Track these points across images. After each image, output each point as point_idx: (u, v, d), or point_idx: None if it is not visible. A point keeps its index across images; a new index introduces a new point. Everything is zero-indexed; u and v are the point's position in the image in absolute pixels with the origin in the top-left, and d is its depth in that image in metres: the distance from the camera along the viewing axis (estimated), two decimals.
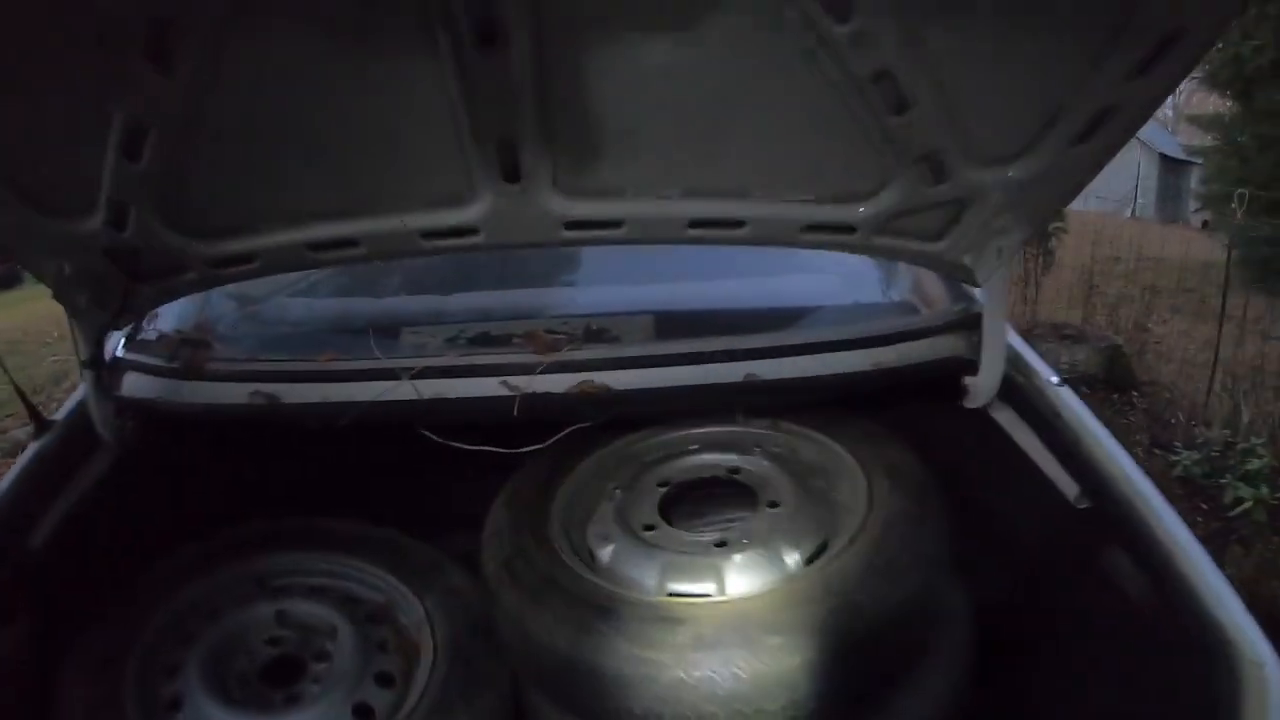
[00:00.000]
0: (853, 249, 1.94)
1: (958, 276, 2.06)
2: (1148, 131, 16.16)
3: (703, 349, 2.05)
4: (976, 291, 2.05)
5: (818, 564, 1.81)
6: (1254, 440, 5.06)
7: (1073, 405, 2.01)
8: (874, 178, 1.74)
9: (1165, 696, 1.63)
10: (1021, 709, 2.02)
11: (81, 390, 2.02)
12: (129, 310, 1.94)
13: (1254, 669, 1.43)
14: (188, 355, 2.11)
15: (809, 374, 2.05)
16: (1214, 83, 10.36)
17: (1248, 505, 4.49)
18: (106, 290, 1.84)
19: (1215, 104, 12.14)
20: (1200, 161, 13.26)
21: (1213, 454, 5.03)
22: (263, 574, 2.14)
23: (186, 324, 2.25)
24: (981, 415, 2.14)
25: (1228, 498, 4.58)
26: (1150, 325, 7.35)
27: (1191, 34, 1.37)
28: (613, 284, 2.51)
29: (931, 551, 1.83)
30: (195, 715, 1.82)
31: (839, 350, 2.09)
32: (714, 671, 1.62)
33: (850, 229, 1.86)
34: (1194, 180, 15.12)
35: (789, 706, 1.65)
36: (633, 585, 1.82)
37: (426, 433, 2.08)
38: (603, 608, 1.74)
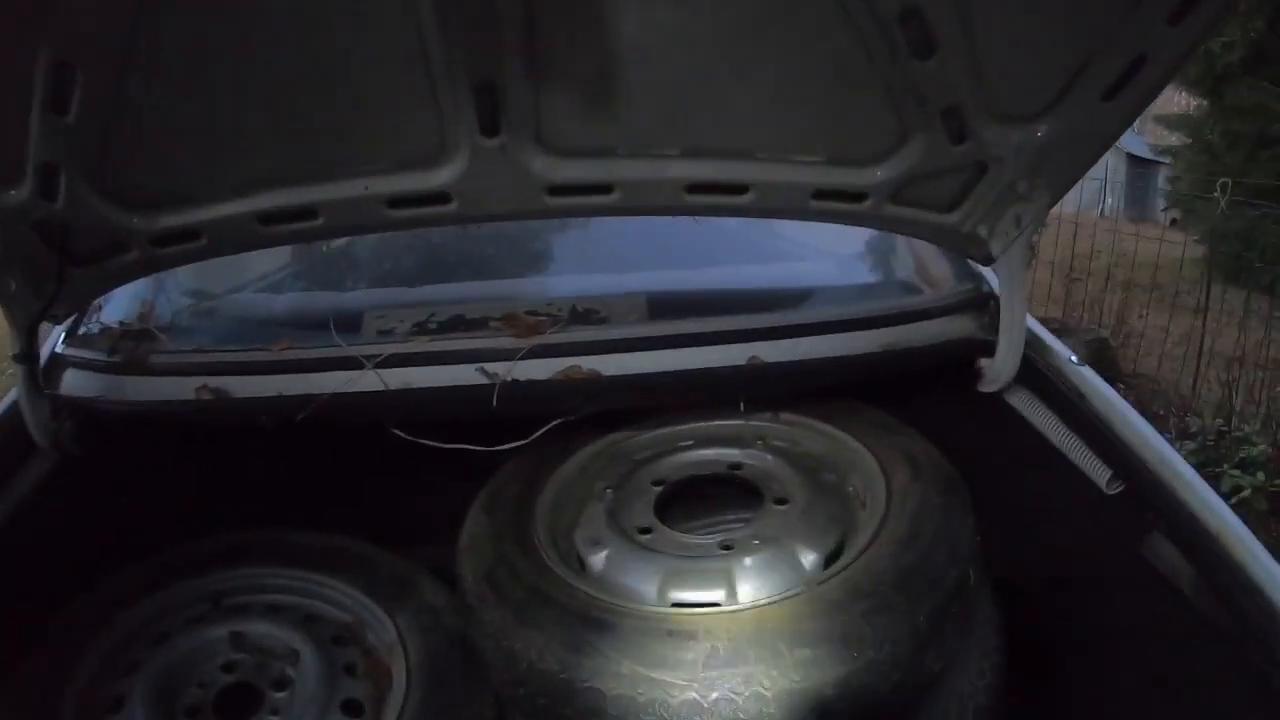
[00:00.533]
0: (862, 220, 1.81)
1: (970, 252, 1.94)
2: None
3: (702, 330, 1.90)
4: (994, 266, 1.92)
5: (840, 564, 1.64)
6: (1246, 428, 5.04)
7: (1097, 385, 1.90)
8: (891, 135, 1.62)
9: (1222, 692, 1.53)
10: (1066, 714, 1.87)
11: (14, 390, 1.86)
12: (66, 299, 1.76)
13: None
14: (129, 348, 1.95)
15: (816, 356, 1.92)
16: (1184, 80, 10.44)
17: (1246, 494, 4.43)
18: (38, 273, 1.67)
19: (1180, 104, 12.28)
20: (1168, 161, 13.45)
21: (1207, 443, 4.99)
22: (216, 592, 1.98)
23: (130, 316, 2.07)
24: (998, 401, 2.02)
25: (1226, 486, 4.50)
26: (1129, 320, 7.35)
27: None
28: (601, 266, 2.34)
29: (965, 546, 1.67)
30: None
31: (847, 331, 1.96)
32: (734, 692, 1.44)
33: (862, 196, 1.73)
34: (1161, 179, 15.35)
35: None
36: (630, 595, 1.64)
37: (397, 431, 1.89)
38: (600, 622, 1.55)
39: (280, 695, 1.79)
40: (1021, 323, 1.93)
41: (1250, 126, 9.35)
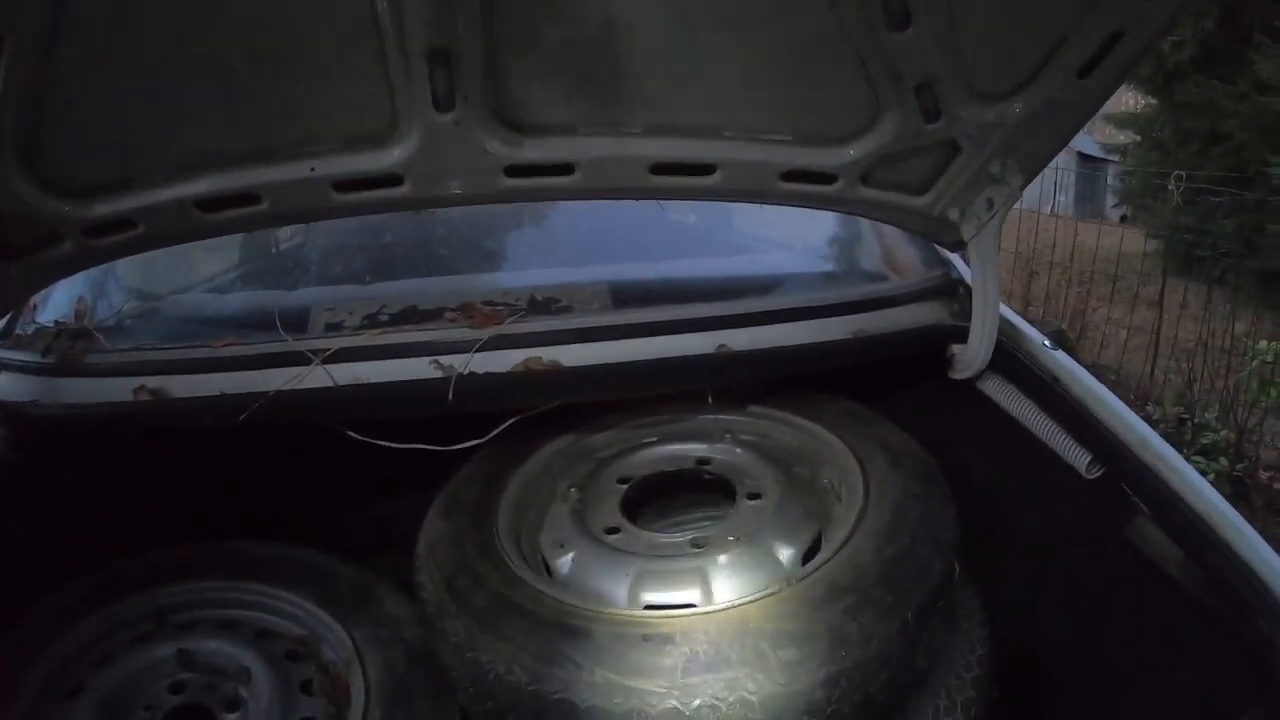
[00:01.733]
0: (832, 203, 1.77)
1: (940, 237, 1.92)
2: None
3: (668, 318, 1.84)
4: (966, 251, 1.90)
5: (820, 559, 1.58)
6: (1207, 415, 5.09)
7: (1073, 370, 1.86)
8: (863, 113, 1.58)
9: (1213, 673, 1.50)
10: (1054, 702, 1.84)
11: None
12: None
13: None
14: (65, 349, 1.84)
15: (786, 344, 1.86)
16: (1134, 79, 10.61)
17: (1210, 479, 4.44)
18: None
19: (1130, 103, 12.49)
20: (1118, 159, 13.67)
21: (1169, 431, 5.02)
22: (162, 608, 1.88)
23: (66, 315, 1.96)
24: (972, 388, 1.99)
25: None
26: (1087, 312, 7.44)
27: None
28: (562, 259, 2.27)
29: (949, 536, 1.62)
30: None
31: (817, 318, 1.91)
32: (718, 699, 1.36)
33: (832, 178, 1.69)
34: (1111, 177, 15.60)
35: None
36: (600, 599, 1.57)
37: (349, 433, 1.80)
38: (570, 628, 1.47)
39: (232, 716, 1.70)
40: (994, 308, 1.89)
41: (1201, 123, 9.49)
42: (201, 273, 2.33)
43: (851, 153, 1.63)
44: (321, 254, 2.39)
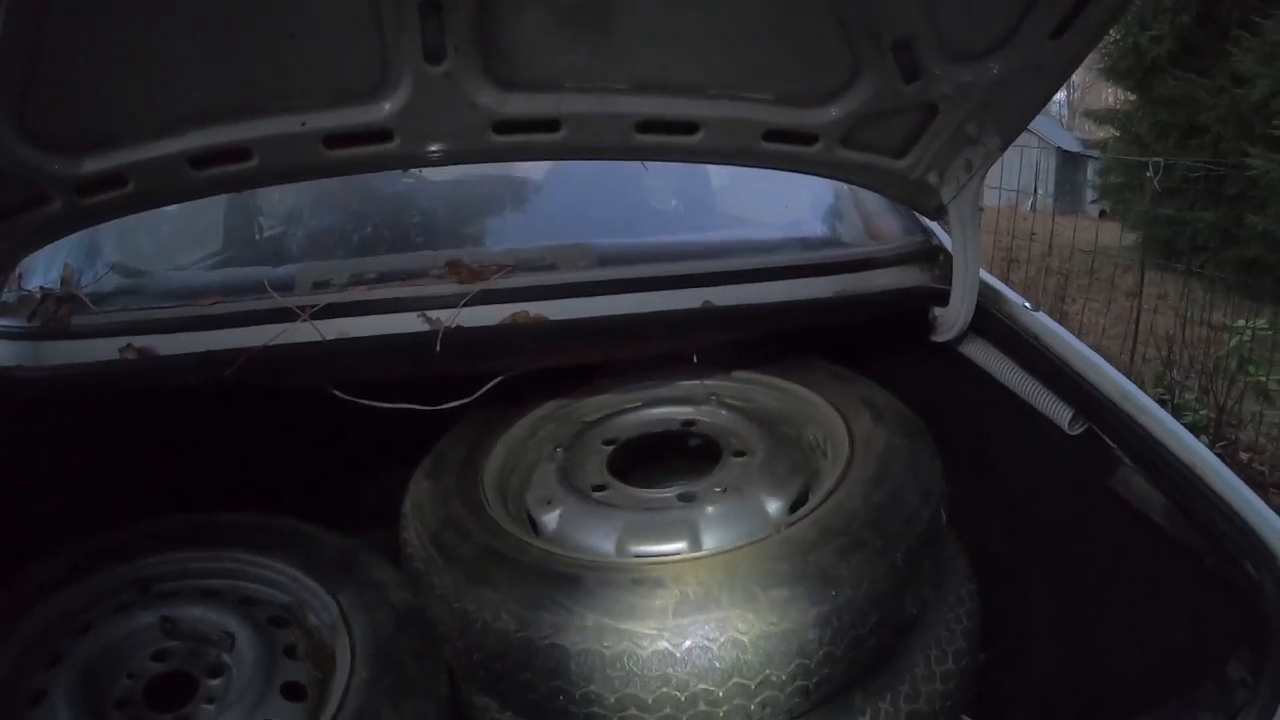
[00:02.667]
0: (813, 164, 1.77)
1: (920, 203, 1.93)
2: (1044, 127, 16.84)
3: (653, 274, 1.84)
4: (945, 216, 1.91)
5: (809, 506, 1.58)
6: (1186, 395, 5.14)
7: (1054, 329, 1.88)
8: (842, 72, 1.58)
9: (1205, 620, 1.52)
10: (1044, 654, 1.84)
11: None
12: None
13: None
14: (50, 313, 1.81)
15: (770, 300, 1.87)
16: (1114, 74, 10.73)
17: None
18: None
19: (1109, 100, 12.63)
20: (1096, 155, 13.80)
21: None
22: (145, 578, 1.86)
23: (52, 281, 1.94)
24: (953, 351, 2.01)
25: None
26: (1066, 301, 7.51)
27: None
28: (550, 226, 2.26)
29: (935, 484, 1.63)
30: None
31: (800, 277, 1.92)
32: (709, 639, 1.36)
33: (813, 138, 1.69)
34: (1090, 173, 15.77)
35: (799, 673, 1.40)
36: (588, 553, 1.57)
37: (336, 392, 1.79)
38: (559, 575, 1.46)
39: (215, 682, 1.69)
40: (974, 271, 1.91)
41: (1179, 117, 9.58)
42: (190, 252, 2.31)
43: (832, 113, 1.63)
44: (308, 231, 2.38)
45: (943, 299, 1.96)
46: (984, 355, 1.96)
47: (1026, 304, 1.96)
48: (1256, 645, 1.36)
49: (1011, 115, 1.72)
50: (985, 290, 1.96)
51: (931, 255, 2.07)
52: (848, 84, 1.60)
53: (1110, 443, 1.68)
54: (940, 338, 1.98)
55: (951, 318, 1.94)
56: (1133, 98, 11.12)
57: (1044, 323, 1.89)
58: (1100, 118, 12.75)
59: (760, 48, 1.54)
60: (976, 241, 1.90)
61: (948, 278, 1.95)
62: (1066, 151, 16.87)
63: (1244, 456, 4.80)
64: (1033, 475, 1.95)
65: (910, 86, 1.60)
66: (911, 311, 2.02)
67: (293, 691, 1.67)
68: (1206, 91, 9.06)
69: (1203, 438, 4.57)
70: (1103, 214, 13.32)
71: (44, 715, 1.59)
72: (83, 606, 1.79)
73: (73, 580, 1.82)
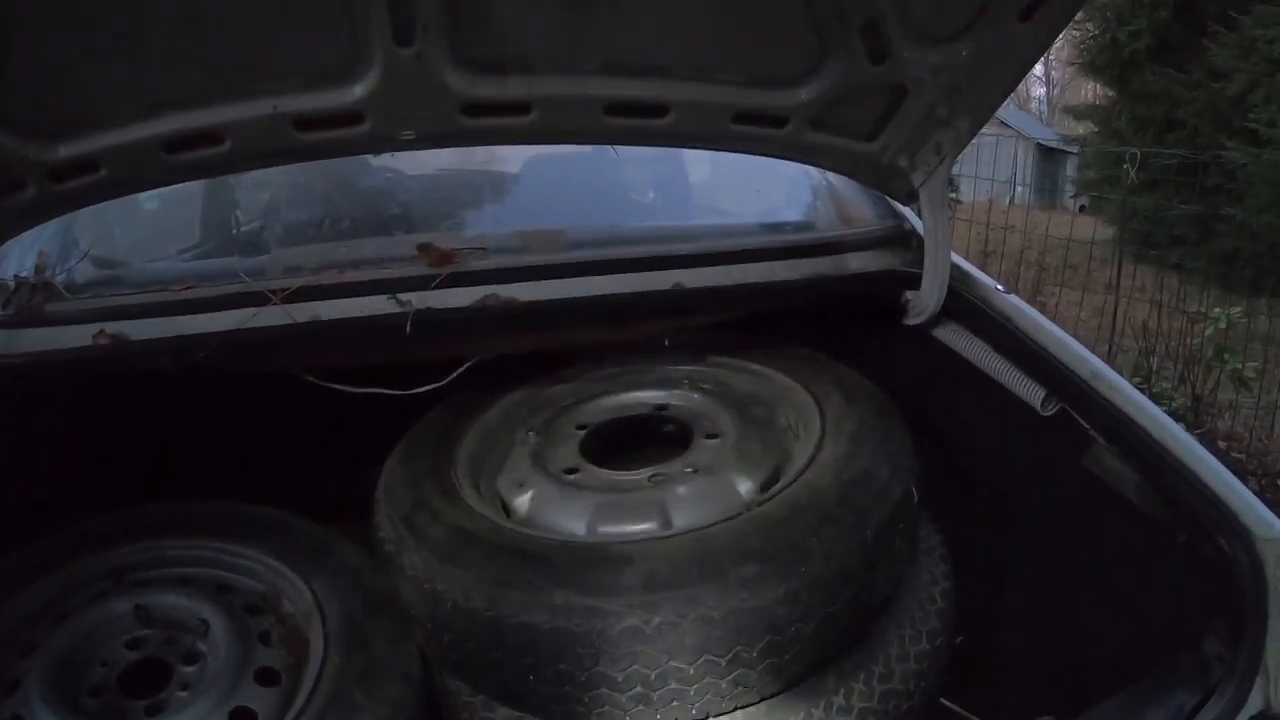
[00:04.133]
0: (784, 148, 1.78)
1: (891, 187, 1.94)
2: (1024, 123, 16.95)
3: (625, 255, 1.84)
4: (917, 200, 1.92)
5: (780, 486, 1.59)
6: (1164, 384, 5.19)
7: (1026, 311, 1.90)
8: (810, 53, 1.58)
9: (1181, 596, 1.54)
10: (1022, 637, 1.86)
11: None
12: None
13: (1271, 546, 1.36)
14: (24, 300, 1.80)
15: (741, 282, 1.87)
16: (1092, 69, 10.80)
17: None
18: None
19: (1088, 96, 12.71)
20: (1076, 151, 13.88)
21: None
22: (119, 567, 1.85)
23: (26, 270, 1.92)
24: (924, 334, 2.02)
25: None
26: (1042, 297, 7.54)
27: None
28: (523, 212, 2.26)
29: (906, 462, 1.64)
30: None
31: (772, 259, 1.93)
32: (679, 615, 1.36)
33: (782, 121, 1.69)
34: (1069, 168, 15.88)
35: (769, 648, 1.40)
36: (560, 534, 1.57)
37: (308, 377, 1.78)
38: (530, 554, 1.47)
39: (190, 669, 1.68)
40: (946, 254, 1.92)
41: (1157, 111, 9.67)
42: (166, 243, 2.31)
43: (802, 95, 1.63)
44: (285, 224, 2.37)
45: (915, 282, 1.97)
46: (956, 338, 1.97)
47: (999, 286, 1.97)
48: (1232, 620, 1.38)
49: (981, 98, 1.73)
50: (957, 273, 1.97)
51: (904, 239, 2.08)
52: (816, 66, 1.60)
53: (1083, 422, 1.69)
54: (912, 321, 1.99)
55: (923, 301, 1.95)
56: (1111, 93, 11.19)
57: (1016, 305, 1.90)
58: (1079, 113, 12.83)
59: (728, 28, 1.54)
60: (947, 225, 1.91)
61: (919, 261, 1.95)
62: (1046, 147, 16.99)
63: (1221, 445, 4.84)
64: (1007, 457, 1.96)
65: (879, 68, 1.60)
66: (884, 295, 2.03)
67: (267, 677, 1.66)
68: (1184, 86, 9.14)
69: (1179, 424, 4.64)
70: (1082, 209, 13.41)
71: (17, 704, 1.57)
72: (57, 596, 1.78)
73: (48, 570, 1.81)
